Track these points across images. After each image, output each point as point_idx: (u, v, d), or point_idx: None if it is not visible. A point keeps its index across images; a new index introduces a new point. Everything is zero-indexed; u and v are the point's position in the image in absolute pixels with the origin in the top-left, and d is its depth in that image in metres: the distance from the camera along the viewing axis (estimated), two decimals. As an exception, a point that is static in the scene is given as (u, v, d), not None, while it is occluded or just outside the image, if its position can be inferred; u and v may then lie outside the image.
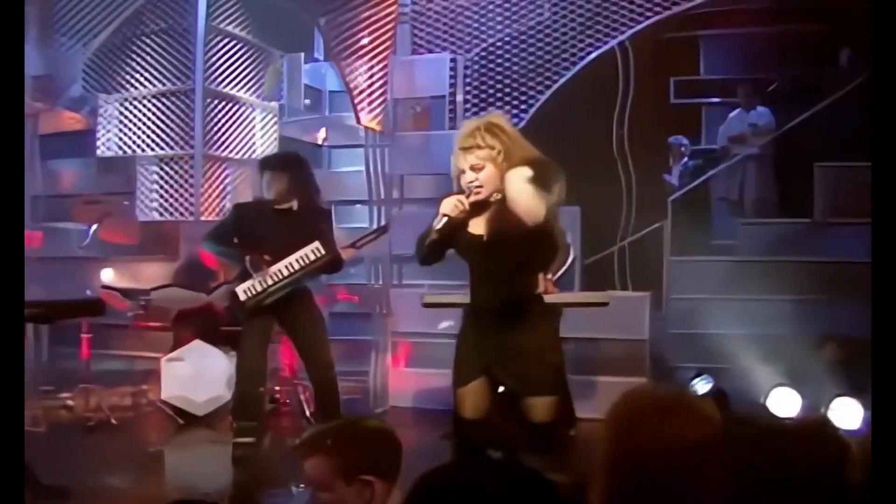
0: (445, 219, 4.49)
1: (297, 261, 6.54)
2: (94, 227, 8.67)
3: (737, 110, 11.03)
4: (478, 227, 4.59)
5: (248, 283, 6.57)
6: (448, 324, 7.76)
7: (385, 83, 8.76)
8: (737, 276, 9.17)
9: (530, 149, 4.61)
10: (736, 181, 10.69)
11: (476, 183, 4.50)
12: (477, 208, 4.56)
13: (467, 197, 4.49)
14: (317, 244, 6.56)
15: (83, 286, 8.43)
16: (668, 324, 9.01)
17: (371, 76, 8.77)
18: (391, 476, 3.05)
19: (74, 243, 9.13)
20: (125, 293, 8.37)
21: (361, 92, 8.71)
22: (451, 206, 4.49)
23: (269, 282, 6.52)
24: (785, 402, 6.93)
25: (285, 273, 6.53)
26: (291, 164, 6.88)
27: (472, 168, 4.51)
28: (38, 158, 7.82)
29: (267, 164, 6.95)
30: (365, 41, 8.83)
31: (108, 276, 9.24)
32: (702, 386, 7.37)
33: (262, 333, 6.69)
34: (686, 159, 11.15)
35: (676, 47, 11.42)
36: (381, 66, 8.82)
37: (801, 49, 10.85)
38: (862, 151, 8.37)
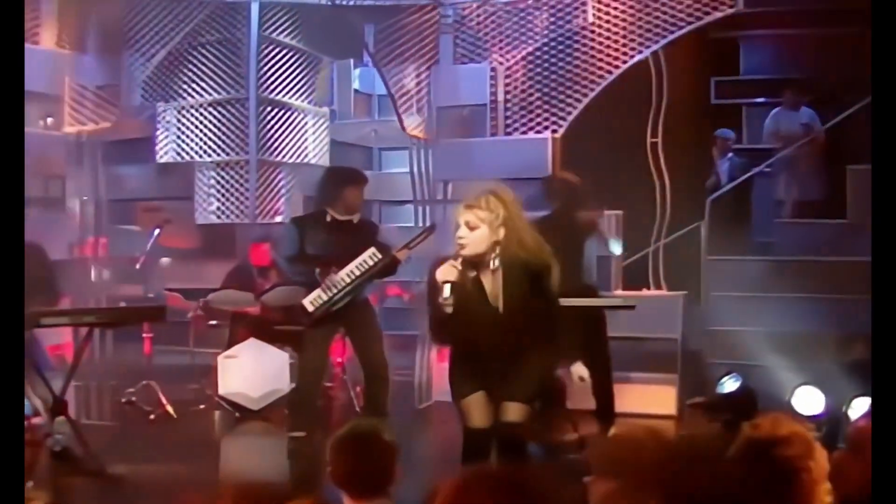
0: (448, 285, 4.66)
1: (357, 267, 6.95)
2: (156, 232, 9.12)
3: (777, 108, 11.23)
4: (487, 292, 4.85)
5: (314, 294, 6.99)
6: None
7: (428, 92, 9.15)
8: (774, 275, 9.41)
9: (527, 225, 4.89)
10: (780, 180, 10.93)
11: (464, 240, 4.72)
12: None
13: (455, 258, 4.72)
14: (373, 250, 6.98)
15: (147, 287, 8.90)
16: (705, 321, 9.31)
17: (414, 85, 9.16)
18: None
19: (137, 245, 9.58)
20: (186, 294, 8.84)
21: (406, 100, 9.10)
22: (448, 272, 4.68)
23: (334, 290, 6.94)
24: (809, 401, 7.15)
25: (347, 280, 6.94)
26: (364, 180, 7.33)
27: (467, 224, 4.73)
28: (101, 164, 8.23)
29: (352, 178, 7.33)
30: (408, 51, 9.23)
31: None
32: (730, 384, 7.66)
33: (325, 338, 7.14)
34: (731, 154, 11.38)
35: (716, 48, 11.69)
36: (424, 75, 9.21)
37: (840, 50, 11.03)
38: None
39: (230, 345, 8.70)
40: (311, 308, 7.04)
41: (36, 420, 6.60)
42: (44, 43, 8.41)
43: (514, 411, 4.86)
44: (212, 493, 3.00)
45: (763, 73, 12.21)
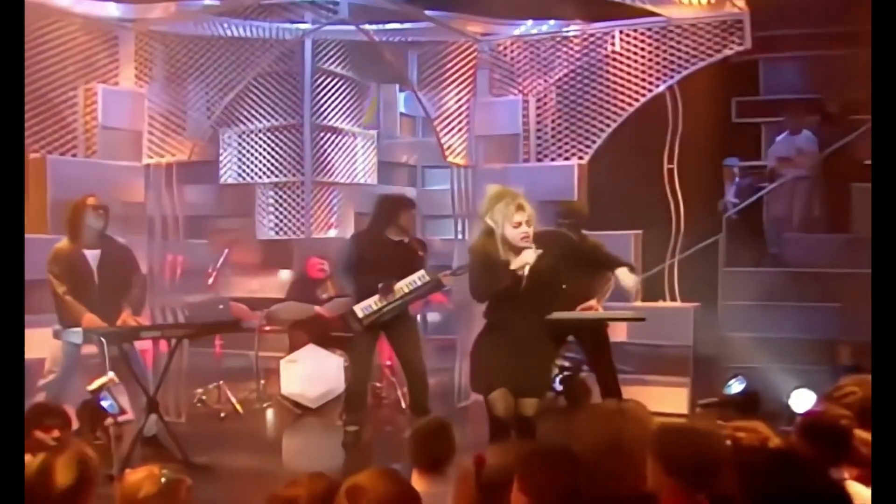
0: (528, 266, 5.98)
1: (406, 286, 7.88)
2: (225, 251, 10.13)
3: (784, 133, 12.01)
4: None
5: (365, 303, 7.88)
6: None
7: (468, 123, 10.13)
8: (782, 286, 10.21)
9: None
10: (786, 199, 11.74)
11: (529, 233, 5.94)
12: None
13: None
14: (422, 272, 7.92)
15: (218, 299, 9.91)
16: (719, 328, 10.17)
17: (455, 116, 10.14)
18: None
19: (205, 256, 10.49)
20: (252, 304, 9.88)
21: (447, 128, 10.07)
22: (531, 257, 5.96)
23: (384, 303, 7.89)
24: (803, 401, 7.96)
25: (398, 296, 7.92)
26: (413, 206, 8.29)
27: (527, 222, 5.95)
28: (177, 189, 9.20)
29: (403, 205, 8.19)
30: (449, 84, 10.21)
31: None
32: (736, 386, 8.57)
33: (371, 343, 8.13)
34: (738, 179, 12.26)
35: (737, 70, 12.39)
36: (464, 106, 10.20)
37: (848, 73, 11.72)
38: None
39: (291, 350, 9.75)
40: (360, 314, 7.93)
41: (122, 418, 7.59)
42: (123, 83, 9.43)
43: (530, 406, 6.08)
44: (282, 481, 3.52)
45: (782, 94, 12.92)
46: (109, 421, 7.11)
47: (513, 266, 5.98)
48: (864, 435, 3.96)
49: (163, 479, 3.51)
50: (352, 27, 10.02)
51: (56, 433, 4.78)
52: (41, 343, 7.34)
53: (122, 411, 7.45)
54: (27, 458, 3.70)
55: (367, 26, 9.89)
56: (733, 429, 3.86)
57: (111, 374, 7.17)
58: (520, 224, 5.97)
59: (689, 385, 9.23)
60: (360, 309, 7.95)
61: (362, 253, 8.03)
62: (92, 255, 7.40)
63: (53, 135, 8.78)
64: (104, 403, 7.20)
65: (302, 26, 10.19)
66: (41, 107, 8.69)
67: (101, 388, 7.04)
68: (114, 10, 9.16)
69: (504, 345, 6.09)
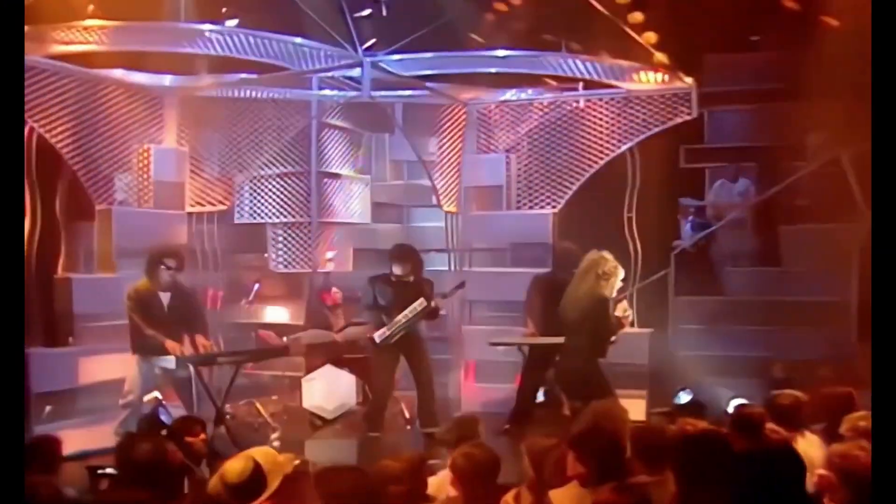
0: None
1: (410, 311, 9.75)
2: (256, 287, 11.79)
3: (720, 181, 13.65)
4: None
5: (380, 331, 9.83)
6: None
7: (459, 176, 11.93)
8: (724, 312, 11.66)
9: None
10: (726, 237, 13.36)
11: None
12: None
13: None
14: (421, 300, 9.79)
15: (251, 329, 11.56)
16: (672, 348, 11.68)
17: (449, 173, 11.92)
18: None
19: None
20: (278, 331, 11.55)
21: (443, 185, 11.86)
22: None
23: (393, 328, 9.74)
24: (738, 408, 9.62)
25: (403, 321, 9.72)
26: (416, 254, 10.19)
27: None
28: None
29: (405, 253, 10.15)
30: (445, 142, 12.01)
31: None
32: (684, 397, 10.23)
33: (391, 362, 9.93)
34: (692, 218, 13.99)
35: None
36: (455, 162, 11.99)
37: (781, 127, 12.76)
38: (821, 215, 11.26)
39: (308, 369, 11.39)
40: (378, 339, 9.87)
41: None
42: (166, 142, 11.11)
43: None
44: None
45: (724, 142, 14.16)
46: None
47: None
48: (773, 426, 5.71)
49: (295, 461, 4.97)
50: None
51: (203, 436, 6.43)
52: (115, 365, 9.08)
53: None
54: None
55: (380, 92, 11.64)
56: (683, 423, 5.41)
57: (156, 393, 8.87)
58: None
59: (645, 397, 10.74)
60: (378, 335, 9.89)
61: (376, 290, 10.03)
62: (165, 297, 9.09)
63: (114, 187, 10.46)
64: (162, 417, 8.89)
65: (328, 93, 12.07)
66: (104, 164, 10.37)
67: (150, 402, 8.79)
68: (165, 81, 10.85)
69: None
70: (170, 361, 8.78)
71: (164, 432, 8.58)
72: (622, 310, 8.67)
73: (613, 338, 8.56)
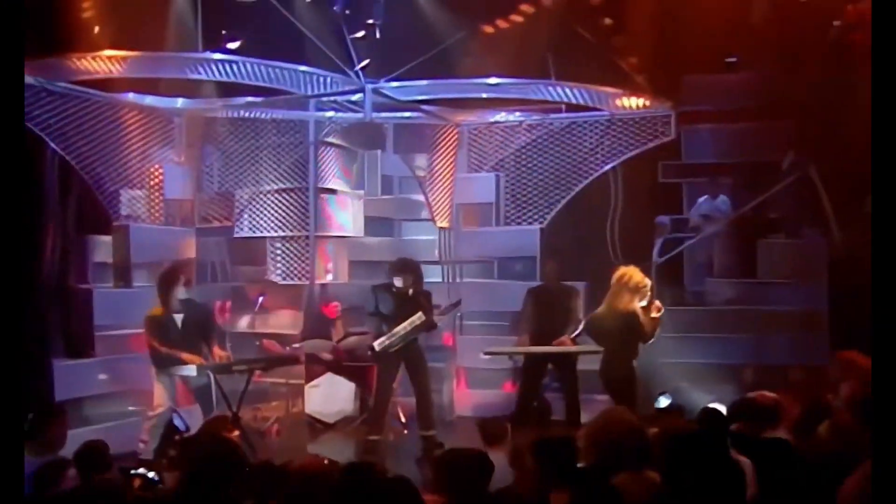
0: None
1: (409, 324, 10.38)
2: (260, 299, 12.42)
3: (705, 196, 14.06)
4: None
5: (380, 340, 10.41)
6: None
7: (452, 194, 12.60)
8: (702, 321, 12.23)
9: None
10: (705, 250, 13.96)
11: None
12: None
13: None
14: (420, 314, 10.41)
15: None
16: (652, 356, 12.43)
17: (442, 190, 12.59)
18: None
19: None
20: (281, 341, 12.17)
21: (437, 202, 12.53)
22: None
23: (393, 339, 10.37)
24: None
25: (401, 333, 10.36)
26: (417, 268, 10.81)
27: None
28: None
29: (407, 266, 10.75)
30: (437, 161, 12.68)
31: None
32: (663, 401, 10.86)
33: (393, 369, 10.56)
34: (667, 235, 14.58)
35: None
36: (449, 180, 12.67)
37: (754, 144, 13.32)
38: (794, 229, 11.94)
39: (307, 377, 12.02)
40: (378, 347, 10.49)
41: (188, 434, 9.77)
42: (177, 161, 11.75)
43: None
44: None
45: (700, 158, 14.84)
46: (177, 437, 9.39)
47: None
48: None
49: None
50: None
51: (237, 433, 7.07)
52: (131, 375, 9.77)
53: (188, 428, 9.68)
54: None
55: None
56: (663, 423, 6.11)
57: (170, 403, 9.54)
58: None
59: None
60: (378, 343, 10.49)
61: (379, 300, 10.62)
62: (178, 318, 9.73)
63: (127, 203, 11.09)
64: (176, 423, 9.53)
65: (329, 114, 12.73)
66: (119, 182, 11.01)
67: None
68: (176, 103, 11.50)
69: None
70: (191, 370, 9.42)
71: (177, 437, 9.42)
72: (656, 310, 9.41)
73: (651, 340, 9.48)
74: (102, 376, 10.30)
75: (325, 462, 5.37)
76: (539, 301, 10.98)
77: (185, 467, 5.34)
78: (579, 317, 10.69)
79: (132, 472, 6.86)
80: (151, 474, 6.54)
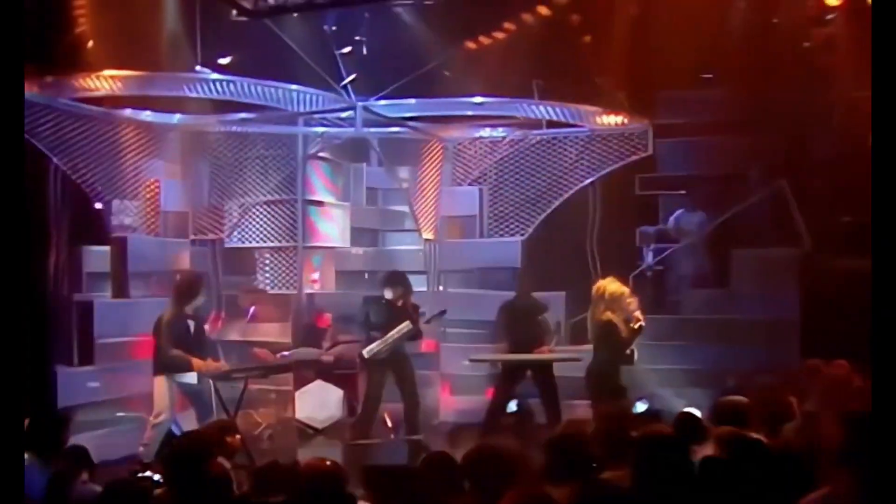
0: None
1: (396, 332, 10.83)
2: (252, 309, 12.83)
3: (680, 210, 14.42)
4: None
5: (368, 347, 10.90)
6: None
7: (437, 207, 13.05)
8: (679, 329, 12.56)
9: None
10: (682, 262, 14.37)
11: None
12: None
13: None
14: (407, 322, 10.87)
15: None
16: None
17: (427, 203, 13.05)
18: None
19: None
20: (272, 349, 12.56)
21: (423, 215, 12.98)
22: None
23: (381, 346, 10.79)
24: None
25: (389, 340, 10.80)
26: (406, 280, 11.28)
27: None
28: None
29: (397, 279, 11.28)
30: (424, 175, 13.14)
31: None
32: (641, 406, 11.29)
33: (381, 376, 11.00)
34: (654, 244, 15.00)
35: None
36: (433, 194, 13.12)
37: (728, 157, 13.76)
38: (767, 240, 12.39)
39: (296, 384, 12.38)
40: (367, 354, 10.98)
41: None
42: (173, 175, 12.17)
43: None
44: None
45: (675, 171, 15.00)
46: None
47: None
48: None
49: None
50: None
51: (239, 437, 7.47)
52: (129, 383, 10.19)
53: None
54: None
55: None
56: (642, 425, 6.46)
57: (171, 409, 9.94)
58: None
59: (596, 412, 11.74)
60: (367, 351, 10.99)
61: (370, 310, 11.17)
62: (191, 324, 10.13)
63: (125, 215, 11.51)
64: (173, 428, 9.96)
65: (320, 129, 13.19)
66: (117, 194, 11.42)
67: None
68: (173, 119, 11.92)
69: None
70: (192, 377, 9.82)
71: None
72: (635, 321, 9.98)
73: (630, 348, 10.06)
74: (93, 384, 10.66)
75: (329, 463, 5.71)
76: (510, 315, 11.53)
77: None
78: (551, 327, 11.44)
79: (139, 474, 7.32)
80: (157, 477, 6.96)
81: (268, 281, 13.94)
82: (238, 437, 7.52)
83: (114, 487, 5.37)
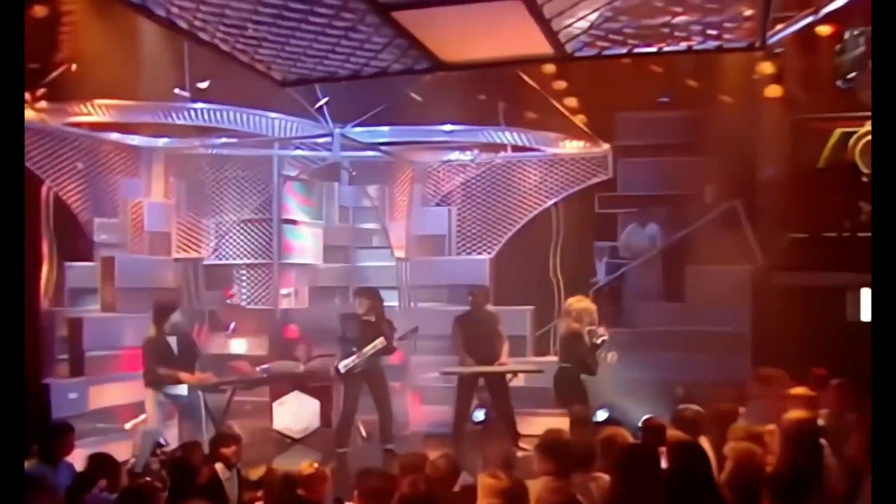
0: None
1: (371, 348, 11.47)
2: (232, 324, 13.43)
3: (631, 225, 14.90)
4: None
5: (344, 361, 11.51)
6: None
7: (408, 227, 13.74)
8: (635, 342, 12.98)
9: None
10: (637, 276, 15.07)
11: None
12: None
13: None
14: (381, 339, 11.51)
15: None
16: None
17: (399, 223, 13.73)
18: None
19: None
20: (250, 362, 13.16)
21: (394, 234, 13.66)
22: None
23: (356, 361, 11.45)
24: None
25: (364, 355, 11.44)
26: (377, 295, 11.86)
27: None
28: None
29: (366, 294, 11.90)
30: (396, 197, 13.83)
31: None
32: (601, 415, 11.93)
33: (356, 389, 11.62)
34: (607, 259, 15.67)
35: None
36: (405, 215, 13.82)
37: (684, 177, 14.51)
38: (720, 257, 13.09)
39: (272, 395, 12.94)
40: (342, 369, 11.58)
41: (168, 448, 10.61)
42: (154, 196, 12.75)
43: None
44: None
45: (634, 190, 15.43)
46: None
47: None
48: (673, 431, 7.38)
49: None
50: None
51: (234, 448, 7.97)
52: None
53: (167, 443, 10.60)
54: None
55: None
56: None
57: (144, 416, 10.51)
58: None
59: (569, 416, 12.15)
60: (343, 365, 11.59)
61: (346, 327, 11.71)
62: (172, 340, 10.70)
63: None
64: (159, 439, 10.50)
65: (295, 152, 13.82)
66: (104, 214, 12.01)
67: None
68: (158, 143, 12.54)
69: None
70: (182, 389, 10.42)
71: (158, 451, 10.34)
72: (598, 336, 10.78)
73: (596, 359, 10.86)
74: (73, 395, 11.14)
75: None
76: (465, 327, 12.09)
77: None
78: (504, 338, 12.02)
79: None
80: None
81: (244, 296, 14.45)
82: (234, 448, 7.97)
83: (127, 495, 5.89)
